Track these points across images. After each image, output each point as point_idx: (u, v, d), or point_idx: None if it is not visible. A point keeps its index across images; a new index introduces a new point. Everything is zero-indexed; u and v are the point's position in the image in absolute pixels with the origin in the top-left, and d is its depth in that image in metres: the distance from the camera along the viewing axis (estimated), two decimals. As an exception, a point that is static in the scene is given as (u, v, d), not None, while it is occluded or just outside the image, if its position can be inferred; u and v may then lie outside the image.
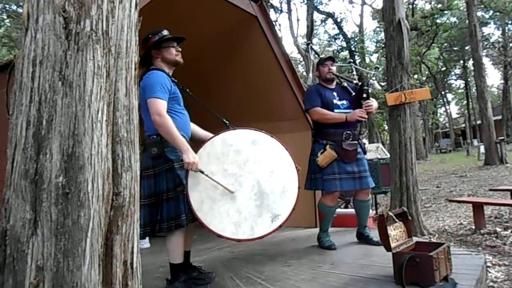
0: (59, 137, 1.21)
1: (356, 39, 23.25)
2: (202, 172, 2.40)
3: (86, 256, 1.19)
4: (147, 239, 4.27)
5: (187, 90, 2.67)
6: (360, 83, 3.50)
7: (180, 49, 2.63)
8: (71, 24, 1.24)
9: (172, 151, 2.42)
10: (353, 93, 3.56)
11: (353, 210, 3.97)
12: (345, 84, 3.63)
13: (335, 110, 3.43)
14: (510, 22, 26.15)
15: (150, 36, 2.54)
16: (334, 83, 3.63)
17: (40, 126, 1.21)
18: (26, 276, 1.17)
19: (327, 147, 3.36)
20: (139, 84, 2.23)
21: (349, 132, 3.40)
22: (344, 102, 3.52)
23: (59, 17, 1.24)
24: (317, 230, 3.75)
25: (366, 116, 3.44)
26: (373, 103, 3.46)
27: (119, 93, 1.34)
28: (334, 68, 3.59)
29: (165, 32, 2.58)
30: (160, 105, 2.33)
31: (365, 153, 3.58)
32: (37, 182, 1.20)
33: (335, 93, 3.54)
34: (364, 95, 3.40)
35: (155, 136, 2.41)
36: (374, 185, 3.67)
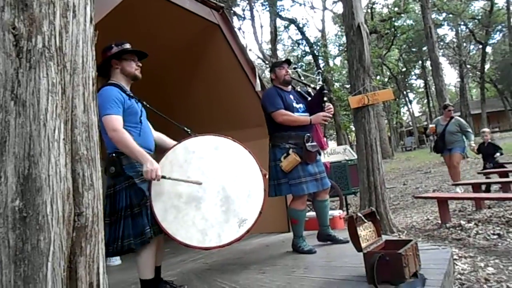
0: (13, 159, 1.15)
1: (319, 43, 23.72)
2: (164, 177, 2.35)
3: (48, 281, 1.14)
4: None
5: (144, 102, 2.63)
6: (318, 87, 3.58)
7: (140, 65, 2.60)
8: (21, 41, 1.20)
9: (130, 168, 2.39)
10: (309, 97, 3.63)
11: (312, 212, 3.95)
12: (299, 89, 3.69)
13: (295, 114, 3.43)
14: (462, 23, 27.50)
15: (113, 45, 2.51)
16: (289, 86, 3.65)
17: (-7, 149, 1.16)
18: (-16, 307, 1.11)
19: (290, 152, 3.34)
20: None
21: (309, 134, 3.44)
22: (301, 105, 3.54)
23: (9, 34, 1.19)
24: (290, 234, 3.75)
25: (329, 119, 3.51)
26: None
27: (77, 110, 1.30)
28: (290, 71, 3.62)
29: (128, 45, 2.55)
30: (115, 120, 2.29)
31: (320, 154, 3.63)
32: (-8, 207, 1.14)
33: (291, 96, 3.55)
34: (325, 99, 3.48)
35: (113, 154, 2.37)
36: (329, 185, 3.63)
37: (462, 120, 7.26)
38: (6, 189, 1.15)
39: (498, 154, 7.00)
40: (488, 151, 7.10)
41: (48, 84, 1.21)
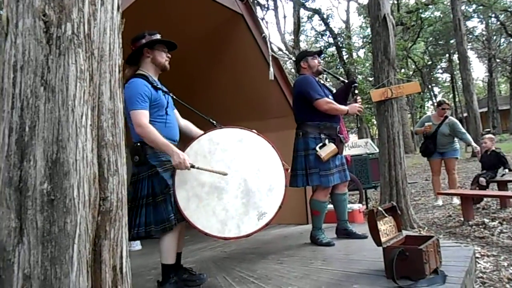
0: (42, 143, 1.19)
1: (343, 35, 23.32)
2: (193, 166, 2.40)
3: (73, 263, 1.18)
4: (138, 241, 4.25)
5: (171, 94, 2.66)
6: (348, 81, 3.61)
7: (170, 56, 2.64)
8: (51, 28, 1.22)
9: (153, 157, 2.44)
10: (334, 89, 3.63)
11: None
12: (321, 81, 3.68)
13: None
14: (493, 15, 26.53)
15: (146, 34, 2.54)
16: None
17: (23, 133, 1.19)
18: (13, 285, 1.15)
19: (326, 141, 3.32)
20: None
21: (339, 125, 3.45)
22: (330, 97, 3.52)
23: (39, 21, 1.21)
24: (308, 226, 3.74)
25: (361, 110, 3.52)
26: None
27: (104, 97, 1.32)
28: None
29: (159, 36, 2.59)
30: (140, 116, 2.34)
31: None
32: (21, 189, 1.18)
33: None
34: (356, 91, 3.49)
35: (138, 144, 2.43)
36: (349, 178, 3.64)
37: (456, 121, 6.22)
38: (35, 173, 1.18)
39: (506, 170, 5.84)
40: (491, 161, 5.86)
41: (77, 71, 1.24)
